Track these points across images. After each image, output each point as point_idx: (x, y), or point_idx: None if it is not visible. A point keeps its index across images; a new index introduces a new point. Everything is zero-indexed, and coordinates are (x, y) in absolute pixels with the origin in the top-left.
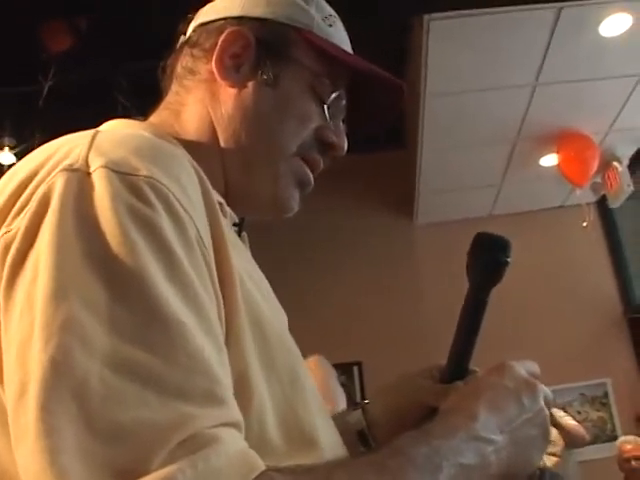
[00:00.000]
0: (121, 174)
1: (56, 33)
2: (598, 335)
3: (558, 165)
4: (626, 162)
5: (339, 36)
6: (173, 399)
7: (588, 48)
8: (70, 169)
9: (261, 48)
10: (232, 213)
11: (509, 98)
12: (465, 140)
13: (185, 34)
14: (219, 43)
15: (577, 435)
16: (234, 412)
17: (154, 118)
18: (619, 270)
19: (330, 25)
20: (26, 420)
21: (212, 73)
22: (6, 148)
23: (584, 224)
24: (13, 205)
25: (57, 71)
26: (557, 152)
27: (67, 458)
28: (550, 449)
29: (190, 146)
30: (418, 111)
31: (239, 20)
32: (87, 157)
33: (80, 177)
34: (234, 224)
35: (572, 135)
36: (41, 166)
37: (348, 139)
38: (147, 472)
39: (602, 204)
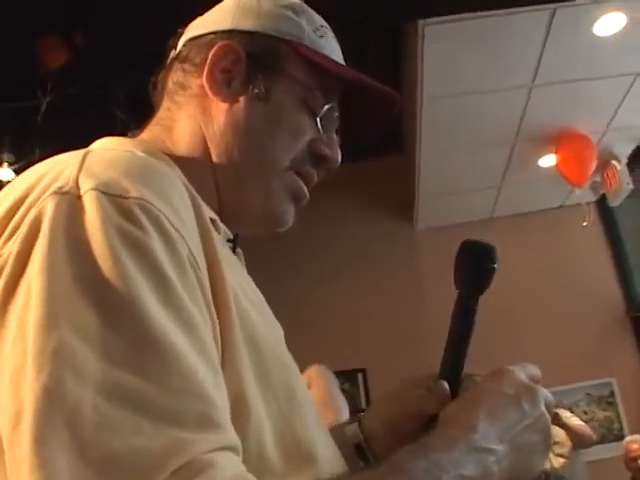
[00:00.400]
0: (111, 196)
1: (53, 48)
2: (602, 334)
3: (557, 165)
4: (625, 160)
5: (330, 47)
6: (167, 425)
7: (583, 48)
8: (60, 192)
9: (252, 62)
10: (226, 229)
11: (506, 100)
12: (463, 143)
13: (175, 48)
14: (209, 57)
15: (584, 435)
16: (230, 435)
17: (146, 134)
18: (621, 268)
19: (321, 36)
20: (20, 451)
21: (203, 88)
22: (5, 164)
23: (584, 224)
24: (4, 229)
25: (55, 86)
26: (556, 152)
27: None
28: (558, 450)
29: (182, 162)
30: (415, 115)
31: (229, 34)
32: (77, 179)
33: (70, 200)
34: (228, 240)
35: (570, 135)
36: (32, 188)
37: (345, 147)
38: None
39: (602, 203)
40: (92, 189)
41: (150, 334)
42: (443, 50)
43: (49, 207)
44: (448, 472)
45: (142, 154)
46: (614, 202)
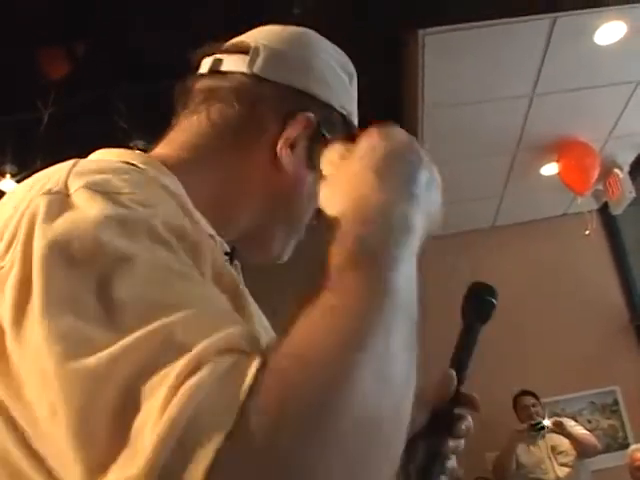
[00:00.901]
0: (103, 192)
1: (54, 59)
2: (605, 343)
3: (559, 174)
4: (627, 168)
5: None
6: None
7: (584, 56)
8: (49, 193)
9: (314, 133)
10: (223, 242)
11: (507, 109)
12: (465, 152)
13: (219, 54)
14: (292, 125)
15: (589, 444)
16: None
17: (167, 149)
18: (624, 276)
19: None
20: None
21: (265, 143)
22: (7, 175)
23: (586, 232)
24: (1, 239)
25: (56, 97)
26: (557, 161)
27: None
28: (562, 459)
29: (202, 186)
30: (416, 124)
31: (309, 100)
32: (66, 181)
33: (60, 198)
34: (225, 253)
35: (572, 143)
36: (22, 200)
37: None
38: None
39: (604, 211)
40: (82, 187)
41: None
42: (443, 59)
43: (41, 206)
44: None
45: (140, 165)
46: (616, 210)
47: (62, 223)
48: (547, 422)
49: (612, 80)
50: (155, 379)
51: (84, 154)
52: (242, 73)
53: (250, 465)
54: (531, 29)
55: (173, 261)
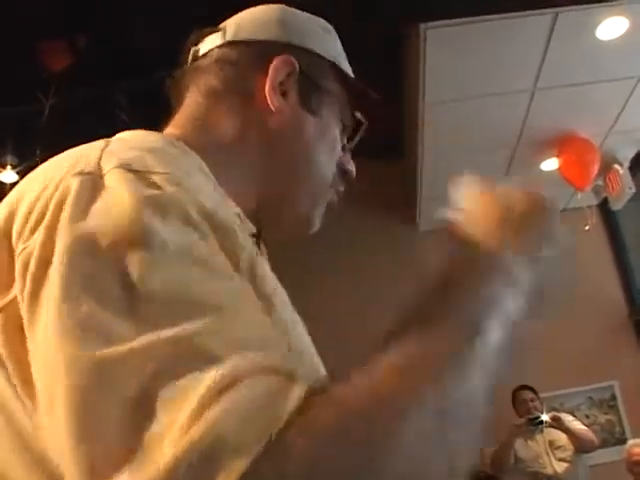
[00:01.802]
0: (136, 172)
1: (55, 52)
2: (604, 338)
3: (559, 169)
4: (627, 164)
5: (347, 66)
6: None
7: (586, 51)
8: (82, 173)
9: (302, 78)
10: (250, 224)
11: (508, 103)
12: (465, 146)
13: (195, 45)
14: (271, 69)
15: (586, 439)
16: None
17: (174, 129)
18: (623, 272)
19: (345, 59)
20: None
21: (256, 96)
22: (8, 167)
23: (586, 227)
24: (27, 220)
25: (57, 89)
26: (558, 156)
27: None
28: (560, 454)
29: (218, 159)
30: (417, 118)
31: (283, 46)
32: (99, 161)
33: (93, 179)
34: (252, 235)
35: (572, 139)
36: (52, 179)
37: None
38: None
39: (604, 207)
40: (115, 167)
41: (189, 289)
42: (445, 54)
43: (73, 186)
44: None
45: (163, 141)
46: (616, 206)
47: (93, 208)
48: (545, 417)
49: (613, 75)
50: (178, 384)
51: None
52: (218, 46)
53: None
54: (533, 24)
55: (206, 252)
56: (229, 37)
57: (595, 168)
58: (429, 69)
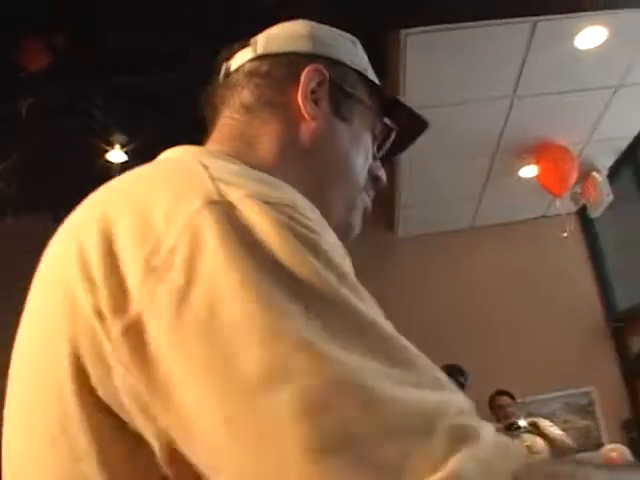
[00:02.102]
0: (269, 203)
1: (33, 51)
2: (581, 344)
3: (537, 176)
4: (605, 172)
5: (374, 78)
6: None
7: (564, 60)
8: (210, 202)
9: (333, 86)
10: None
11: (487, 110)
12: (445, 153)
13: (227, 61)
14: (302, 78)
15: (563, 445)
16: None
17: (224, 147)
18: (601, 279)
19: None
20: None
21: (292, 105)
22: None
23: (564, 234)
24: (147, 264)
25: (35, 89)
26: (536, 163)
27: None
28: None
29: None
30: None
31: (312, 57)
32: (219, 189)
33: (226, 210)
34: None
35: (551, 146)
36: (146, 222)
37: None
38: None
39: (583, 214)
40: (246, 196)
41: (367, 324)
42: (425, 60)
43: (206, 218)
44: None
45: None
46: (594, 213)
47: (242, 233)
48: (523, 422)
49: (592, 84)
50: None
51: (62, 146)
52: (249, 60)
53: None
54: (512, 32)
55: (368, 303)
56: (260, 51)
57: (573, 175)
58: (409, 75)
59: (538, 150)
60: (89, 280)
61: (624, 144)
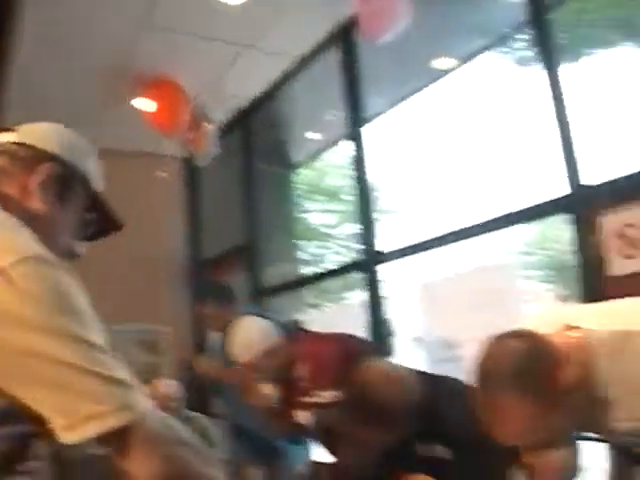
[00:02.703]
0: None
1: None
2: (158, 284)
3: (151, 112)
4: (217, 125)
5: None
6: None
7: (205, 4)
8: None
9: (59, 180)
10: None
11: (116, 32)
12: (63, 69)
13: None
14: (45, 171)
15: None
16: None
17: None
18: (192, 225)
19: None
20: None
21: (26, 182)
22: None
23: (164, 174)
24: None
25: None
26: (153, 98)
27: None
28: None
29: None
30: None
31: (52, 156)
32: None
33: None
34: None
35: (170, 85)
36: None
37: None
38: None
39: (190, 162)
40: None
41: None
42: None
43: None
44: None
45: None
46: (201, 162)
47: None
48: None
49: (226, 37)
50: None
51: None
52: (10, 142)
53: None
54: None
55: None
56: (19, 139)
57: (186, 120)
58: None
59: (157, 86)
60: None
61: (240, 104)
